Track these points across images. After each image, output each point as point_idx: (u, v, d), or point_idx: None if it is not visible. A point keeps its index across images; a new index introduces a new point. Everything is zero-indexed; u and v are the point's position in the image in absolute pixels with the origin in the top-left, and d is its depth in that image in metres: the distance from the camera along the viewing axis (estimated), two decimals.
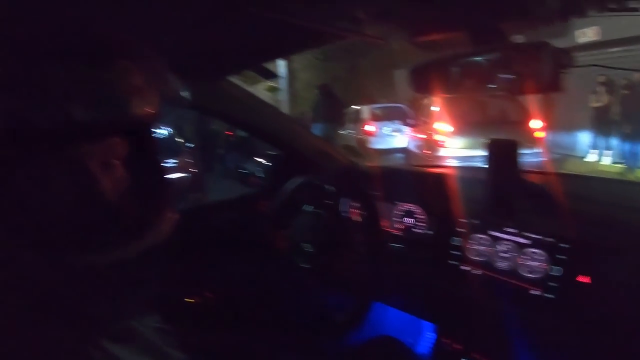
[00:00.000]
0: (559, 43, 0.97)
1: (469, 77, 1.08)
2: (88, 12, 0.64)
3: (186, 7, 0.80)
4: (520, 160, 1.29)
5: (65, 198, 0.56)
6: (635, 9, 1.06)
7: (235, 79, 1.67)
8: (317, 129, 9.19)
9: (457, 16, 0.94)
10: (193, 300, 1.84)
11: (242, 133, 8.72)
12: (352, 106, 12.72)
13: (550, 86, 1.01)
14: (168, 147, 6.95)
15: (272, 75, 1.72)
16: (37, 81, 0.51)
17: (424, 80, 1.17)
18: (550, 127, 10.64)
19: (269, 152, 2.14)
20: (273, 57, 1.65)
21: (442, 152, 7.70)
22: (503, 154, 1.27)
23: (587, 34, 9.79)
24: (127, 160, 0.61)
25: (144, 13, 0.78)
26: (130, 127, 0.60)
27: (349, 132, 12.19)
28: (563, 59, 0.98)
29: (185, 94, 0.75)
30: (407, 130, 10.12)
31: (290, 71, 15.16)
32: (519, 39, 1.03)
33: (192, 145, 8.14)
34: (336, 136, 10.49)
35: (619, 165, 9.22)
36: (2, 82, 0.51)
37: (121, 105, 0.56)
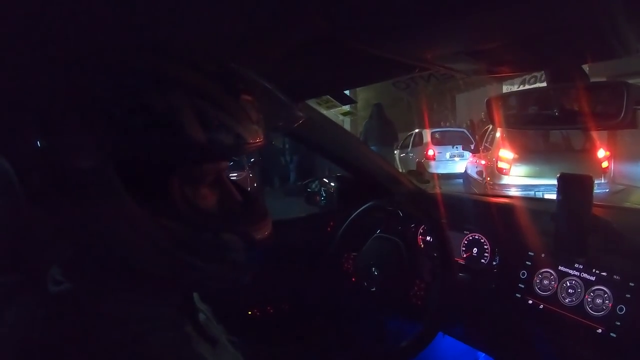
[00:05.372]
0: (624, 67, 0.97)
1: (546, 112, 1.10)
2: (217, 46, 0.71)
3: (289, 36, 0.84)
4: (593, 195, 1.28)
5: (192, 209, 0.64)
6: None
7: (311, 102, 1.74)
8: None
9: (545, 57, 0.96)
10: (253, 314, 1.90)
11: (304, 151, 8.71)
12: (415, 130, 12.68)
13: (627, 123, 1.02)
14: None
15: (349, 100, 1.77)
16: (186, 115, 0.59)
17: (501, 112, 1.20)
18: (615, 157, 10.21)
19: (338, 174, 2.19)
20: (356, 85, 1.71)
21: (504, 179, 7.50)
22: (578, 188, 1.27)
23: None
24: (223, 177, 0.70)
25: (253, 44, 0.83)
26: (242, 153, 0.69)
27: (410, 155, 12.13)
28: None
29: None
30: (468, 155, 9.94)
31: (351, 91, 15.15)
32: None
33: (253, 160, 8.20)
34: (390, 160, 10.40)
35: None
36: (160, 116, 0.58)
37: (240, 134, 0.63)
